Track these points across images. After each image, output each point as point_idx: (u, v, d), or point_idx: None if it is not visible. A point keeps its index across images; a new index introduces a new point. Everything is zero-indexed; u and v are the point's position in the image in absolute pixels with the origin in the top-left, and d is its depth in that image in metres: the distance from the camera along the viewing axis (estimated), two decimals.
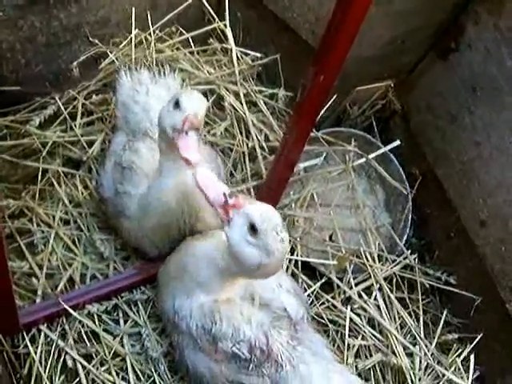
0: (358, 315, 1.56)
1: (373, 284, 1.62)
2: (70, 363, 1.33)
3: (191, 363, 1.24)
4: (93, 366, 1.33)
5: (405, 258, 1.70)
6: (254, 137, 1.70)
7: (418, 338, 1.56)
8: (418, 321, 1.63)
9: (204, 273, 1.20)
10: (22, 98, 1.63)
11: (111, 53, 1.68)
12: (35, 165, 1.56)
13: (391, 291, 1.63)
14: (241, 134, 1.71)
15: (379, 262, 1.68)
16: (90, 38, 1.64)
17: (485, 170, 1.56)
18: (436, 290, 1.72)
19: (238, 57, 1.81)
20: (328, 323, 1.53)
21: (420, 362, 1.52)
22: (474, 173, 1.59)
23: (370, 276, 1.63)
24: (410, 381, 1.48)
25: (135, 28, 1.71)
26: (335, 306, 1.56)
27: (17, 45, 1.52)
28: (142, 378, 1.36)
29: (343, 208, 1.79)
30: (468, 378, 1.53)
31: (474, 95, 1.56)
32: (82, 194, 1.57)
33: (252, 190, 1.64)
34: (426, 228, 1.80)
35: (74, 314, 1.36)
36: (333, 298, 1.58)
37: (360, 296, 1.59)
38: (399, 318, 1.59)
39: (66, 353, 1.34)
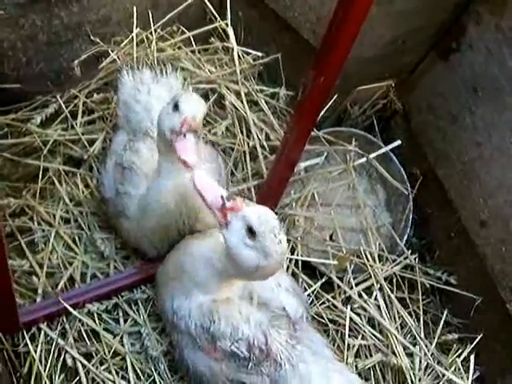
0: (358, 315, 1.56)
1: (373, 284, 1.62)
2: (69, 362, 1.33)
3: (191, 362, 1.24)
4: (93, 365, 1.33)
5: (405, 258, 1.70)
6: (254, 136, 1.70)
7: (418, 338, 1.56)
8: (418, 321, 1.62)
9: (201, 273, 1.20)
10: (23, 97, 1.63)
11: (112, 52, 1.67)
12: (36, 163, 1.56)
13: (391, 291, 1.63)
14: (242, 133, 1.71)
15: (380, 261, 1.67)
16: (92, 37, 1.64)
17: (486, 170, 1.56)
18: (436, 290, 1.72)
19: (239, 56, 1.80)
20: (328, 323, 1.53)
21: (420, 362, 1.52)
22: (475, 173, 1.59)
23: (371, 276, 1.63)
24: (409, 381, 1.48)
25: (136, 27, 1.71)
26: (335, 306, 1.56)
27: (18, 43, 1.52)
28: (141, 377, 1.36)
29: (344, 208, 1.79)
30: (468, 378, 1.53)
31: (475, 95, 1.55)
32: (83, 192, 1.57)
33: (253, 189, 1.64)
34: (426, 228, 1.79)
35: (74, 312, 1.36)
36: (333, 297, 1.58)
37: (360, 296, 1.59)
38: (399, 318, 1.59)
39: (66, 351, 1.34)
